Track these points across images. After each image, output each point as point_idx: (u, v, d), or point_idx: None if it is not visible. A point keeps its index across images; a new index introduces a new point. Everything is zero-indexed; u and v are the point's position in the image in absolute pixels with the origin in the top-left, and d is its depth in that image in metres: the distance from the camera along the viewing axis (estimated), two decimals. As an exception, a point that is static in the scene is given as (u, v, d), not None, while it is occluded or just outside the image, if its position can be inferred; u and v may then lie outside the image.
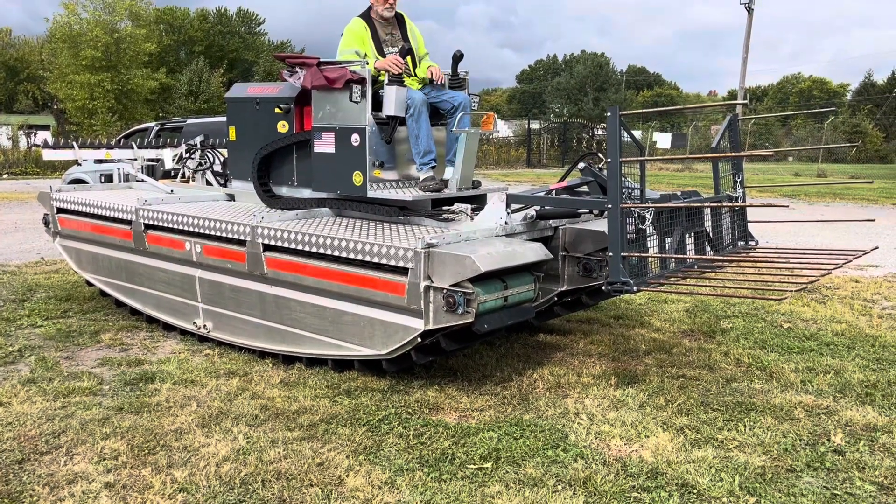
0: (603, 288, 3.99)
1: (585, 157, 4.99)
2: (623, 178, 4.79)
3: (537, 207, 4.59)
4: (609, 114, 3.85)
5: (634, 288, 3.85)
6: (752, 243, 5.06)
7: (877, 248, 5.20)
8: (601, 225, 4.49)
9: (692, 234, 4.60)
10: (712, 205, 4.71)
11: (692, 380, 4.50)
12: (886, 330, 5.66)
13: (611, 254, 3.89)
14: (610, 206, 3.84)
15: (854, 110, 47.64)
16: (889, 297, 6.91)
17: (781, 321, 5.90)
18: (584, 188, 4.87)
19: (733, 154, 4.90)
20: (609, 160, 3.82)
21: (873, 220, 4.82)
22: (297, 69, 4.99)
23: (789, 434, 3.72)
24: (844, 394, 4.29)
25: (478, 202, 5.14)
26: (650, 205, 4.08)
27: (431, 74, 5.08)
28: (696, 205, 4.56)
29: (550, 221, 4.69)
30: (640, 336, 5.45)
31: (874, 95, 49.23)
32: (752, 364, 4.81)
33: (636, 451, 3.51)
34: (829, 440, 3.65)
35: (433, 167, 4.88)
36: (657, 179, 22.42)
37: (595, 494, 3.09)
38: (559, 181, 4.99)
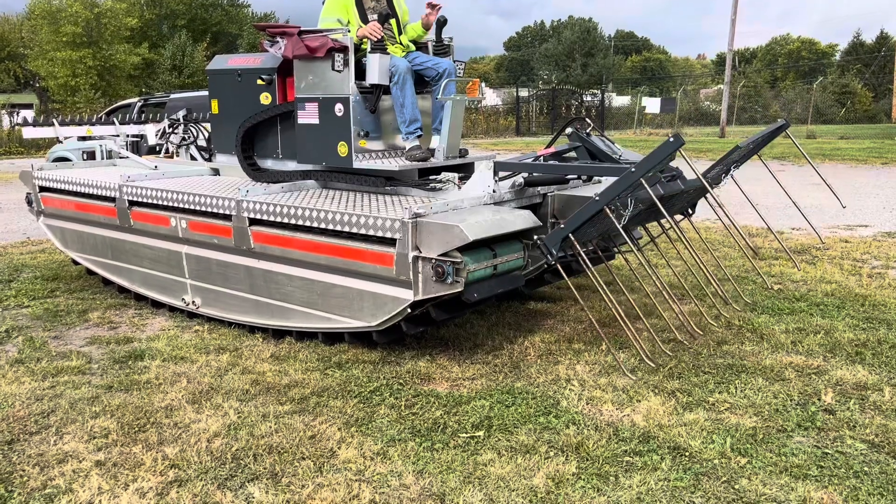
0: (535, 238, 4.08)
1: (573, 123, 4.94)
2: (616, 147, 4.76)
3: (525, 174, 4.54)
4: (671, 139, 3.76)
5: (553, 261, 4.00)
6: (690, 211, 5.20)
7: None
8: (590, 191, 4.46)
9: (647, 212, 4.59)
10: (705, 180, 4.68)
11: (683, 343, 4.50)
12: (876, 289, 5.67)
13: (563, 226, 3.96)
14: (598, 199, 3.83)
15: (843, 70, 47.45)
16: (878, 256, 6.92)
17: (772, 283, 5.90)
18: (572, 154, 4.82)
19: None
20: (633, 169, 3.77)
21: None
22: (279, 39, 4.89)
23: (780, 395, 3.73)
24: (835, 353, 4.31)
25: (465, 171, 5.09)
26: (623, 229, 4.03)
27: (427, 16, 5.04)
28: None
29: (539, 188, 4.65)
30: (632, 301, 5.44)
31: (863, 55, 49.01)
32: (743, 326, 4.81)
33: (628, 415, 3.52)
34: (819, 400, 3.66)
35: (419, 136, 4.82)
36: (647, 144, 22.35)
37: (587, 459, 3.09)
38: (546, 147, 4.94)
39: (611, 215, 3.86)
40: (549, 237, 3.99)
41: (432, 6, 5.01)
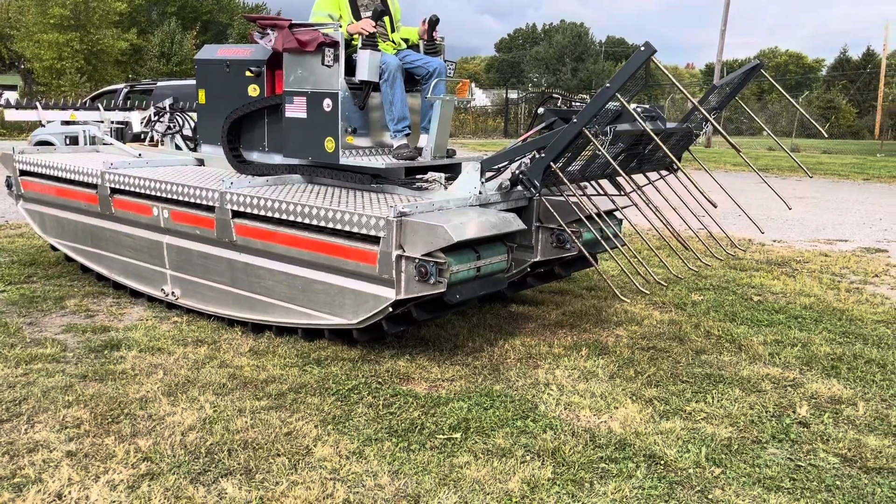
0: (517, 171, 4.05)
1: (545, 102, 4.95)
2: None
3: (514, 170, 4.51)
4: (643, 48, 3.77)
5: (536, 194, 4.03)
6: (675, 168, 4.95)
7: None
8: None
9: (627, 154, 4.54)
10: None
11: (662, 351, 4.52)
12: (853, 304, 5.73)
13: (543, 156, 3.99)
14: (575, 121, 3.86)
15: (828, 86, 47.92)
16: (857, 271, 6.99)
17: (752, 294, 5.95)
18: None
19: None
20: (608, 85, 3.79)
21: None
22: (269, 31, 4.86)
23: (756, 406, 3.75)
24: (811, 366, 4.34)
25: (452, 171, 5.08)
26: (604, 153, 3.95)
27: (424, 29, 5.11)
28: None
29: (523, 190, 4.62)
30: (612, 307, 5.47)
31: (849, 71, 49.52)
32: (722, 336, 4.84)
33: (605, 422, 3.52)
34: (794, 412, 3.69)
35: (407, 134, 4.80)
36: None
37: (563, 465, 3.10)
38: (527, 131, 4.94)
39: (592, 139, 3.82)
40: (531, 168, 3.96)
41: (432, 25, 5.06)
